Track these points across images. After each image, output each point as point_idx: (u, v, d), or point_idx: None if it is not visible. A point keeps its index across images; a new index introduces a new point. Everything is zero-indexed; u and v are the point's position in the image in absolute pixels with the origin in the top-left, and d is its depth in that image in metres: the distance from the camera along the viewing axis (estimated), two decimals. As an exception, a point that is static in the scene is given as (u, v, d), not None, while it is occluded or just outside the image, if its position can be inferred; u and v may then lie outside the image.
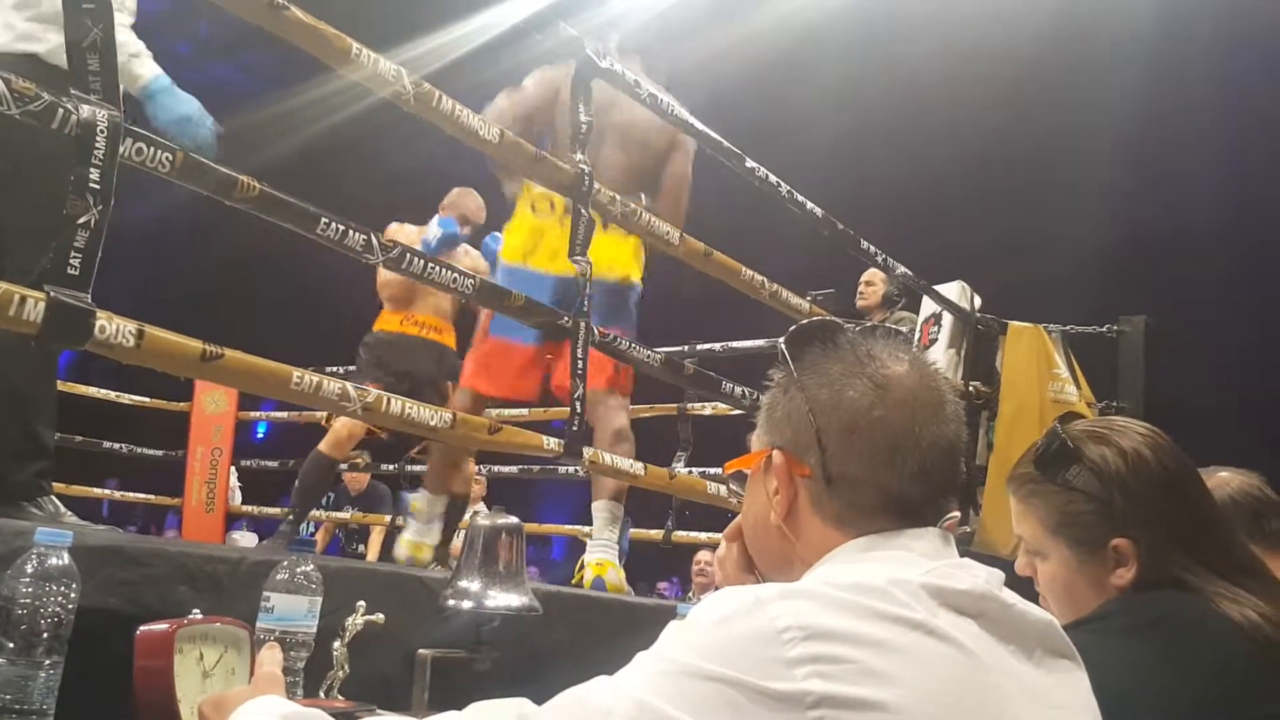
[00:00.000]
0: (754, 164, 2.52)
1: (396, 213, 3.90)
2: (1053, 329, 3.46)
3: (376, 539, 5.25)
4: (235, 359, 1.44)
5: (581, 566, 2.84)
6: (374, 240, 1.64)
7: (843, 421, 0.80)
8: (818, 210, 2.71)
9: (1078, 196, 8.06)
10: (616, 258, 2.78)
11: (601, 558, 2.74)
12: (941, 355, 3.32)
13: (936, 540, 0.79)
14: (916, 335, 3.45)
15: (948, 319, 3.38)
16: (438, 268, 1.78)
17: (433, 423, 1.80)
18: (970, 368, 3.36)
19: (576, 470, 4.25)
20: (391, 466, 4.92)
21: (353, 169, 8.39)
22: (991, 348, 3.41)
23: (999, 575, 0.78)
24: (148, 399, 5.17)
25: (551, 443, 2.05)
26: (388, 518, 4.98)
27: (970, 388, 3.27)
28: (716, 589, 0.81)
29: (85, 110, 1.21)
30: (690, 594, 5.53)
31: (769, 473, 0.84)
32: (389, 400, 1.72)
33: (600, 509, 2.81)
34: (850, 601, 0.68)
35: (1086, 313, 3.77)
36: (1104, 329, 3.63)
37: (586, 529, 5.28)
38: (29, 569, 1.01)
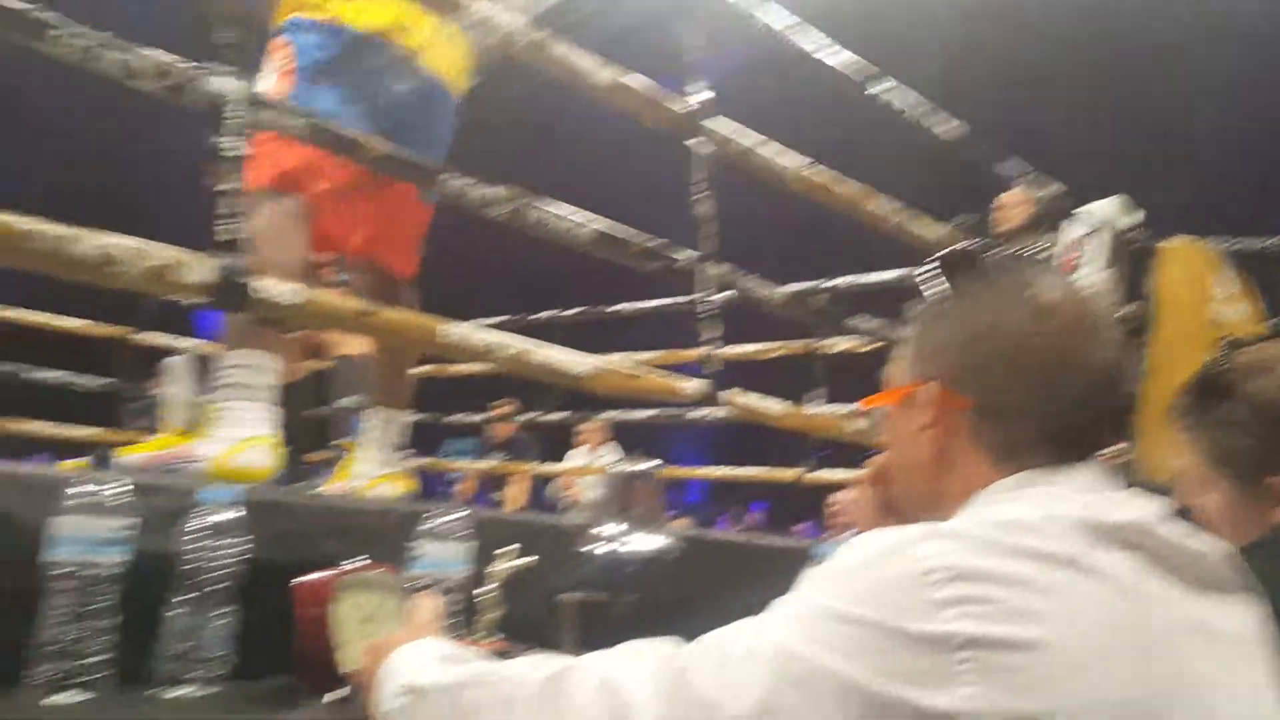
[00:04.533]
0: (888, 84, 2.28)
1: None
2: (1216, 244, 3.22)
3: (517, 488, 5.38)
4: (386, 315, 1.50)
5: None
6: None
7: (1002, 350, 0.76)
8: (958, 129, 2.47)
9: (1231, 100, 7.42)
10: (456, 59, 2.11)
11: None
12: (1092, 278, 3.14)
13: (1096, 472, 0.75)
14: (1062, 258, 3.27)
15: (1098, 240, 3.19)
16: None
17: (576, 370, 1.73)
18: (1123, 290, 3.17)
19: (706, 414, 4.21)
20: (536, 415, 4.99)
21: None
22: (1145, 268, 3.20)
23: (1166, 505, 0.73)
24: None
25: (691, 385, 2.00)
26: (529, 466, 5.10)
27: (1123, 311, 3.09)
28: (853, 532, 0.80)
29: (215, 82, 1.25)
30: (827, 535, 5.49)
31: (919, 407, 0.80)
32: (533, 349, 1.72)
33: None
34: (998, 540, 0.65)
35: (1252, 226, 3.48)
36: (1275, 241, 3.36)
37: (719, 471, 5.30)
38: (201, 524, 1.08)
